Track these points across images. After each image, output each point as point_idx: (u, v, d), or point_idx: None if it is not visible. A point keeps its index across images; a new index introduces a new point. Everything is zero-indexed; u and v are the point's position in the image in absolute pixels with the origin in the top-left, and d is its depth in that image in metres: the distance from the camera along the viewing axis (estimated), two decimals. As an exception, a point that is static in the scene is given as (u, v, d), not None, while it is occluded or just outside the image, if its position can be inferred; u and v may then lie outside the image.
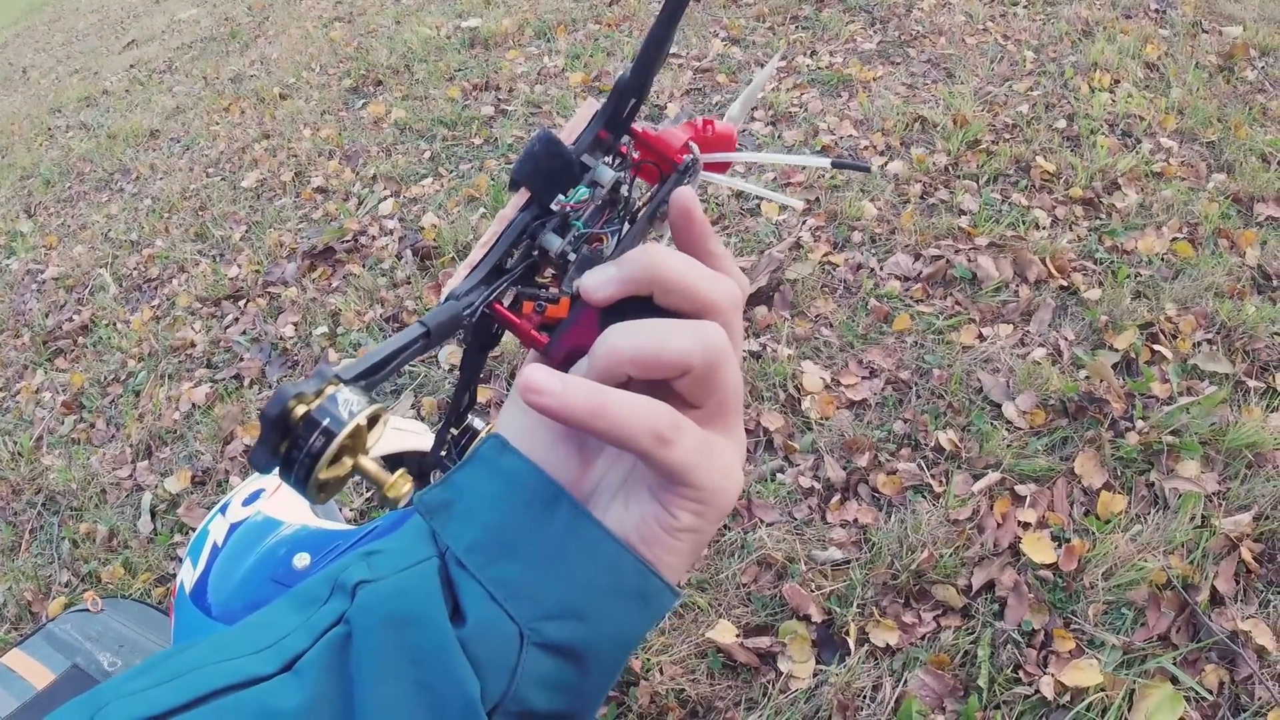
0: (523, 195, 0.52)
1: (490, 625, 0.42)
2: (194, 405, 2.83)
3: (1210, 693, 1.78)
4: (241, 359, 2.97)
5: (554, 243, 0.51)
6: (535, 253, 0.52)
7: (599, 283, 0.45)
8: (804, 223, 2.99)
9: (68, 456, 2.79)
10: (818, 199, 3.09)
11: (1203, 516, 2.06)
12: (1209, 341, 2.46)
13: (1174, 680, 1.80)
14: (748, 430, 2.35)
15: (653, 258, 0.44)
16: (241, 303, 3.24)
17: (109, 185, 4.46)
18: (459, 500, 0.45)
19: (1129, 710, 1.76)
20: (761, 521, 2.12)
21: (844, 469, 2.22)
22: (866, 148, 3.33)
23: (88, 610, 1.79)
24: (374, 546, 0.46)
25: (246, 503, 1.64)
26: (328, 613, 0.43)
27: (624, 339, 0.42)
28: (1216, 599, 1.93)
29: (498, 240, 0.51)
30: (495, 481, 0.46)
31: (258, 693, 0.41)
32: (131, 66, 6.18)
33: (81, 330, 3.36)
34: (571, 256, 0.51)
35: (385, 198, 3.55)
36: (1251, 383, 2.35)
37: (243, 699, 0.41)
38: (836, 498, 2.16)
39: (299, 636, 0.43)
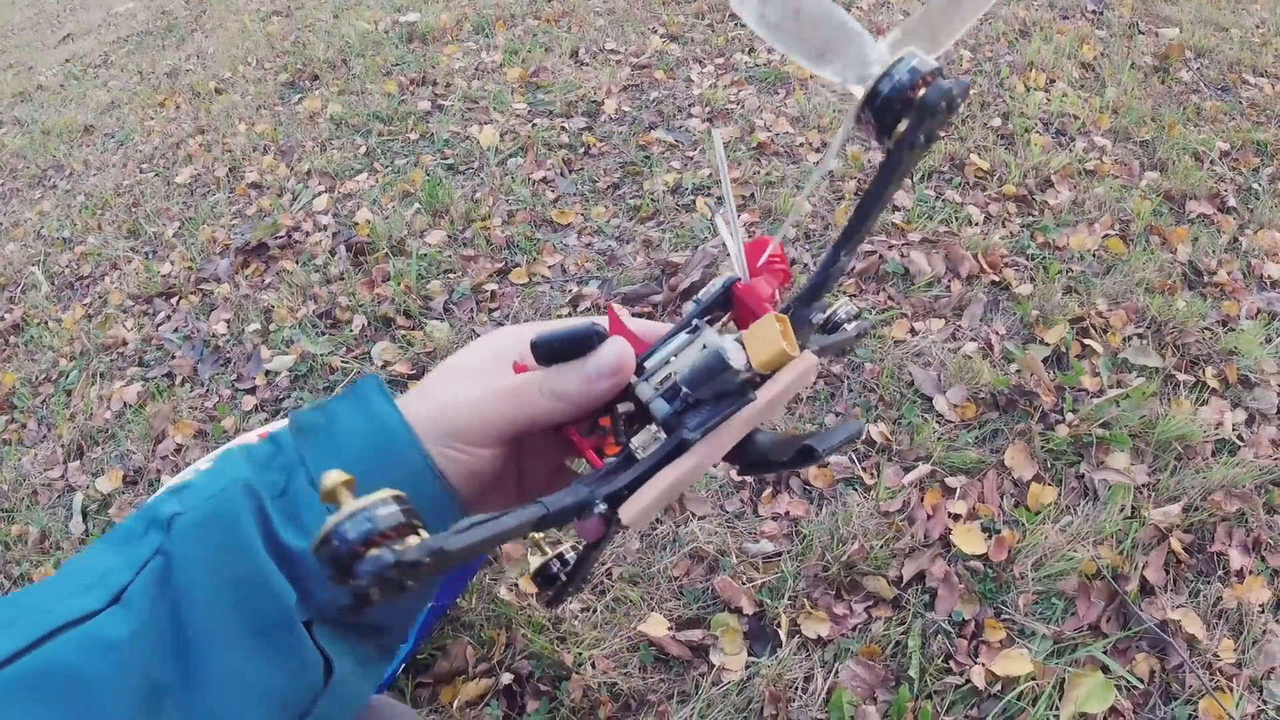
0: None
1: None
2: (125, 404, 2.79)
3: (1141, 681, 1.79)
4: (173, 357, 2.93)
5: (662, 408, 0.53)
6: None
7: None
8: (738, 218, 2.98)
9: (-1, 457, 2.74)
10: (753, 195, 3.10)
11: (1132, 507, 2.08)
12: (1139, 336, 2.48)
13: (1104, 669, 1.81)
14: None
15: None
16: (174, 300, 3.19)
17: (42, 182, 4.39)
18: (329, 427, 0.51)
19: (1060, 699, 1.77)
20: (693, 515, 2.12)
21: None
22: (802, 144, 3.34)
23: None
24: (183, 482, 0.49)
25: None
26: (146, 546, 0.46)
27: None
28: (1146, 589, 1.95)
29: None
30: (363, 419, 0.51)
31: (91, 627, 0.44)
32: (67, 61, 6.08)
33: (13, 329, 3.30)
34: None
35: (319, 193, 3.52)
36: (1181, 376, 2.38)
37: (79, 634, 0.44)
38: (768, 491, 2.16)
39: (121, 571, 0.46)
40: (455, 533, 0.39)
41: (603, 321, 0.57)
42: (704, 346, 0.53)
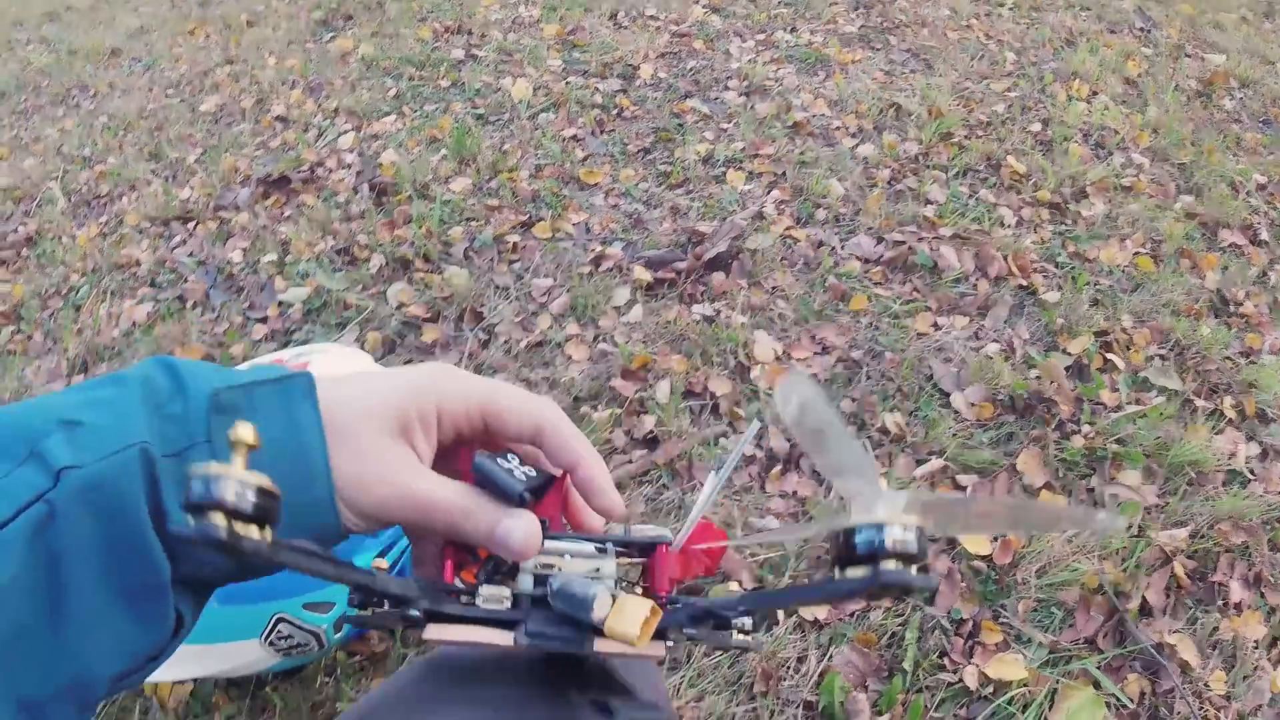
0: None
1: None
2: (134, 323, 2.77)
3: (1131, 701, 1.77)
4: (186, 280, 2.90)
5: (526, 584, 0.58)
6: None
7: None
8: (769, 194, 2.97)
9: (2, 368, 2.71)
10: (784, 173, 3.08)
11: (1140, 527, 2.05)
12: (1162, 357, 2.46)
13: (1096, 684, 1.79)
14: (695, 393, 2.34)
15: None
16: (191, 225, 3.17)
17: (66, 100, 4.37)
18: (250, 416, 0.49)
19: (1050, 709, 1.75)
20: (701, 484, 2.10)
21: (788, 440, 2.20)
22: (839, 128, 3.31)
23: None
24: (76, 416, 0.48)
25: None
26: (27, 485, 0.45)
27: None
28: (1146, 609, 1.92)
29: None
30: (284, 418, 0.51)
31: None
32: (100, -18, 6.06)
33: (26, 242, 3.28)
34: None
35: (345, 131, 3.49)
36: (1200, 402, 2.35)
37: None
38: (778, 468, 2.14)
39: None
40: (288, 548, 0.43)
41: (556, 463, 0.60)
42: (595, 571, 0.57)
